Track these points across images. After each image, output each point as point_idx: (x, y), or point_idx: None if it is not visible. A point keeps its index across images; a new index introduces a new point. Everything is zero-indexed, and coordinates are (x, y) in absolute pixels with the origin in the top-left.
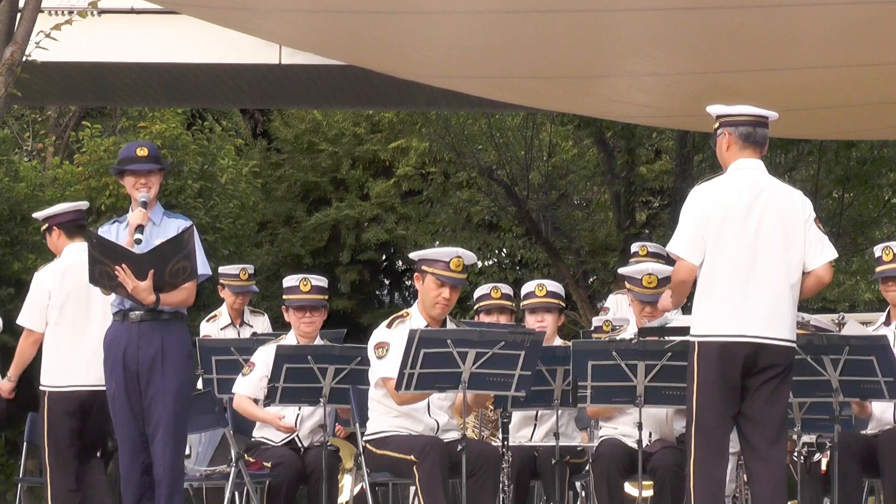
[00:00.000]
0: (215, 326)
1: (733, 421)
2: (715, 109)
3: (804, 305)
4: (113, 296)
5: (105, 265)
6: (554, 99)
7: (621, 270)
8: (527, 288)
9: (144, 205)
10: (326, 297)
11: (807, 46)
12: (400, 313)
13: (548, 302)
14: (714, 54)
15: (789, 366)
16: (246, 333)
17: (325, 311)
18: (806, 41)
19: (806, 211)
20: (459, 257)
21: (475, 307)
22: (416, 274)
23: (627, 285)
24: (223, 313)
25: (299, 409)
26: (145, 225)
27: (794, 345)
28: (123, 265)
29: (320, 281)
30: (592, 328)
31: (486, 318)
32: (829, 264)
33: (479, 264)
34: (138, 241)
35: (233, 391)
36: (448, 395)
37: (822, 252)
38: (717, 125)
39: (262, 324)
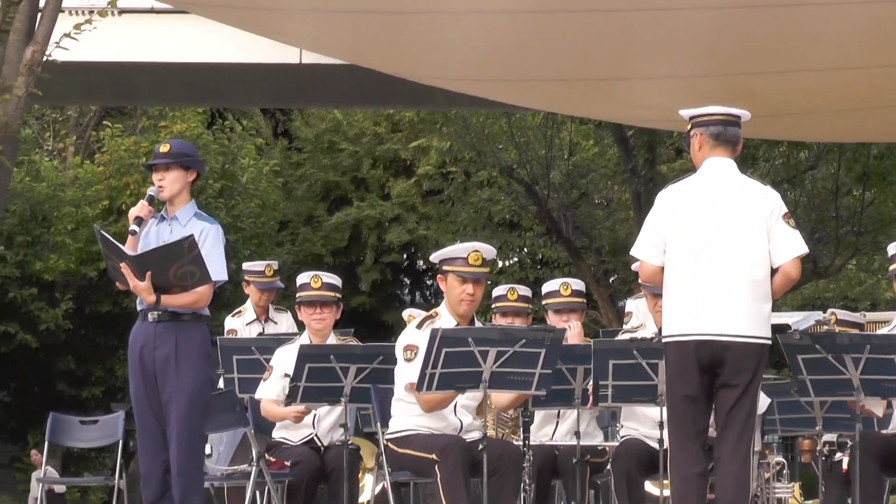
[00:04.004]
0: (241, 321)
1: (704, 422)
2: (686, 112)
3: (829, 303)
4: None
5: (114, 261)
6: (572, 103)
7: (634, 266)
8: (550, 286)
9: (151, 199)
10: (339, 294)
11: (826, 48)
12: (429, 313)
13: (573, 301)
14: (733, 56)
15: (756, 366)
16: (270, 329)
17: (336, 308)
18: (825, 42)
19: (769, 206)
20: (477, 251)
21: (492, 307)
22: (438, 276)
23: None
24: (248, 309)
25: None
26: (144, 218)
27: (760, 341)
28: (125, 263)
29: (332, 278)
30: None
31: (501, 320)
32: (797, 260)
33: (500, 263)
34: (133, 233)
35: (257, 397)
36: (476, 395)
37: (788, 248)
38: (689, 127)
39: (286, 320)
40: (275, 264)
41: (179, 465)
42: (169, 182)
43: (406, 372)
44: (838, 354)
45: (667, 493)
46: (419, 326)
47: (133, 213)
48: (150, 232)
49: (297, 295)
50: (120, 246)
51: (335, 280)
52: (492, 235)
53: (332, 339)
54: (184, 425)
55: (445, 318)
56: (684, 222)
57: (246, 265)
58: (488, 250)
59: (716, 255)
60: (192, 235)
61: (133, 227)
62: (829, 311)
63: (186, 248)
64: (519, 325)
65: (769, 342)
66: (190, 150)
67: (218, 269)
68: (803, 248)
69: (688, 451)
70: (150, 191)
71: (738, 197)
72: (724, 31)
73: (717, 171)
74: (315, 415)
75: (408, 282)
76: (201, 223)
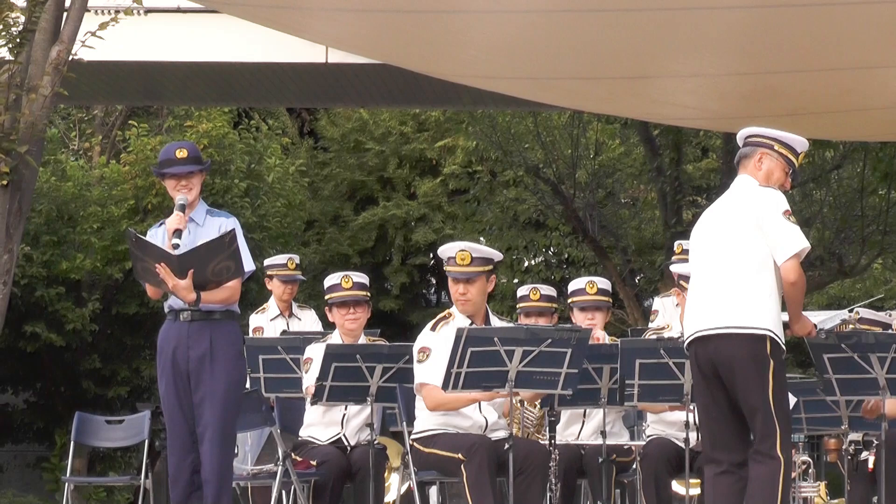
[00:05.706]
0: (265, 317)
1: (715, 428)
2: None
3: (854, 303)
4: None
5: (146, 262)
6: (599, 101)
7: (674, 268)
8: (576, 285)
9: (182, 208)
10: (368, 293)
11: (851, 47)
12: (443, 314)
13: (598, 300)
14: (761, 55)
15: (747, 358)
16: (294, 325)
17: (367, 307)
18: (850, 41)
19: (762, 208)
20: (464, 250)
21: (517, 307)
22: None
23: (683, 283)
24: (271, 305)
25: (345, 407)
26: (183, 229)
27: (748, 331)
28: (162, 263)
29: (361, 278)
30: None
31: (525, 320)
32: (793, 261)
33: (526, 262)
34: (176, 246)
35: (304, 387)
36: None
37: (782, 247)
38: None
39: (310, 317)
40: (296, 258)
41: (212, 465)
42: (195, 186)
43: (418, 373)
44: (864, 353)
45: (693, 492)
46: (433, 328)
47: (171, 226)
48: (164, 241)
49: (329, 296)
50: (159, 246)
51: (364, 279)
52: (518, 235)
53: (363, 340)
54: (218, 425)
55: (459, 318)
56: (695, 243)
57: (268, 260)
58: (480, 249)
59: (713, 262)
60: (233, 230)
61: (175, 240)
62: (854, 309)
63: (227, 244)
64: (544, 325)
65: (766, 334)
66: (199, 152)
67: (246, 261)
68: (797, 246)
69: (709, 454)
70: (180, 199)
71: (736, 204)
72: (750, 30)
73: (733, 187)
74: (344, 414)
75: (434, 281)
76: (218, 219)
